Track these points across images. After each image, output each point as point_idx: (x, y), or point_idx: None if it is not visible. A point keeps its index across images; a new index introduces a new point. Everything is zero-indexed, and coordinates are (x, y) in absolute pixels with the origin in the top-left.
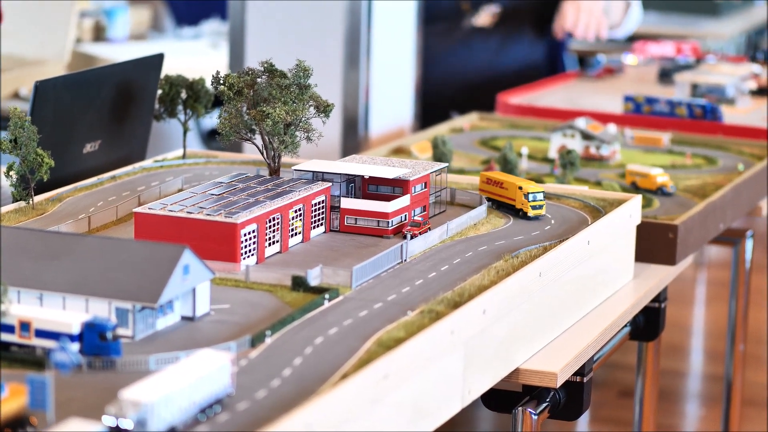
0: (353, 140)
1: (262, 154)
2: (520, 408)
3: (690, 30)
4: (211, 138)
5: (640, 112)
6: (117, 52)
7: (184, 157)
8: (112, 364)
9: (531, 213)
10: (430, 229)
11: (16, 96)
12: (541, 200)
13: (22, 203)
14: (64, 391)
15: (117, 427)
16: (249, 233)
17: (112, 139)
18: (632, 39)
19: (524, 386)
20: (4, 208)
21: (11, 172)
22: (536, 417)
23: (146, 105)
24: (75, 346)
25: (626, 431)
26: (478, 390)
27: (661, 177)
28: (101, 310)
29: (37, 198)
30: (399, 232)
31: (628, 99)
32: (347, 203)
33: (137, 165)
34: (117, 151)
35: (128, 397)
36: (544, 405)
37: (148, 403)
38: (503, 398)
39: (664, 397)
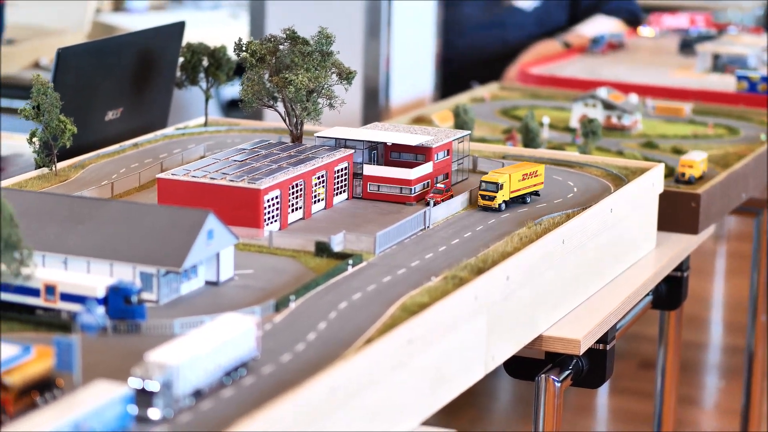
0: (374, 109)
1: (285, 121)
2: (543, 375)
3: (709, 2)
4: (231, 107)
5: (755, 91)
6: (137, 22)
7: (206, 124)
8: (136, 328)
9: (479, 202)
10: (452, 196)
11: (36, 65)
12: (491, 191)
13: (45, 170)
14: (90, 354)
15: (143, 389)
16: (272, 199)
17: (134, 106)
18: (647, 11)
19: (547, 354)
20: (28, 175)
21: (34, 139)
22: (559, 384)
23: (168, 73)
24: (101, 309)
25: (647, 403)
26: (501, 356)
27: (683, 165)
28: (126, 274)
29: (60, 165)
30: (422, 199)
31: (741, 77)
32: (370, 170)
33: (159, 132)
34: (139, 119)
35: (154, 359)
36: (567, 372)
37: (174, 366)
38: (526, 366)
39: (684, 369)
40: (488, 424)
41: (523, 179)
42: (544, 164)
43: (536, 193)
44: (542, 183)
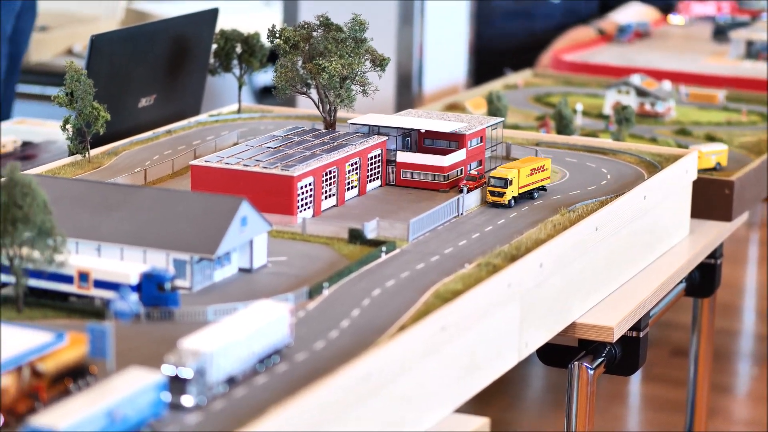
0: (407, 96)
1: (318, 107)
2: (576, 362)
3: None
4: (264, 95)
5: None
6: (170, 8)
7: (239, 111)
8: (170, 315)
9: (488, 198)
10: (486, 183)
11: (69, 52)
12: (500, 187)
13: (79, 156)
14: (123, 341)
15: (176, 376)
16: (305, 186)
17: (167, 93)
18: None
19: (580, 341)
20: (61, 161)
21: (68, 126)
22: (592, 372)
23: (201, 59)
24: (134, 296)
25: (680, 390)
26: (534, 343)
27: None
28: (159, 261)
29: (93, 151)
30: (455, 186)
31: None
32: (403, 157)
33: (192, 119)
34: (172, 106)
35: (188, 346)
36: (601, 360)
37: (208, 353)
38: (559, 353)
39: (717, 356)
40: (520, 411)
41: (531, 174)
42: (550, 159)
43: (543, 188)
44: (549, 177)
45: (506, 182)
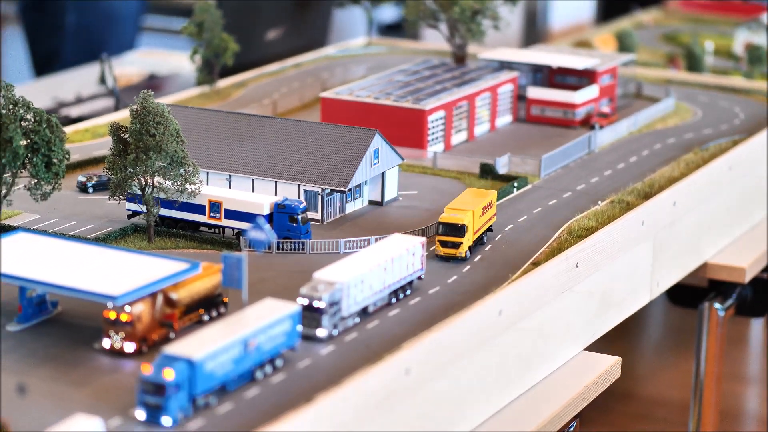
0: (533, 33)
1: (448, 42)
2: (706, 303)
3: None
4: (389, 30)
5: None
6: None
7: (369, 45)
8: (302, 246)
9: (438, 251)
10: (617, 120)
11: None
12: (455, 236)
13: (206, 88)
14: (255, 272)
15: (310, 306)
16: (436, 120)
17: (295, 25)
18: None
19: (710, 282)
20: (189, 92)
21: (196, 56)
22: (723, 313)
23: None
24: (268, 226)
25: None
26: (666, 283)
27: None
28: (290, 192)
29: (221, 83)
30: (586, 123)
31: None
32: (534, 93)
33: (320, 52)
34: (299, 38)
35: (322, 277)
36: (731, 301)
37: (342, 284)
38: (688, 293)
39: None
40: (642, 353)
41: (483, 214)
42: (496, 191)
43: (490, 229)
44: (495, 215)
45: (462, 230)
